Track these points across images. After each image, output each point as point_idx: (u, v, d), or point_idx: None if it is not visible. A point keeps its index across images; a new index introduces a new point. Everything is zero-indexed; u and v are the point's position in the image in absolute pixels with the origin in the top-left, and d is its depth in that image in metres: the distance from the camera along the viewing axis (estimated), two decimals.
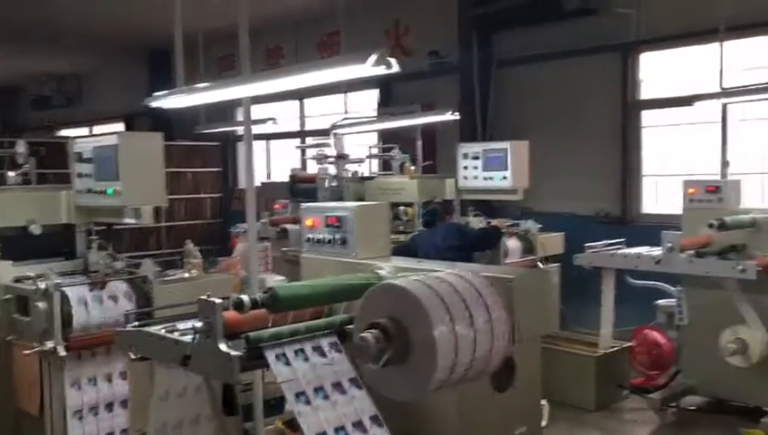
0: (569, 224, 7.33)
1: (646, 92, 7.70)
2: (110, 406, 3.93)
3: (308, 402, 2.31)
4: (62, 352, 3.70)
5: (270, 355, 2.37)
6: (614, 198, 7.77)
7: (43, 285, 3.74)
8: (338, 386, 2.40)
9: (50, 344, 3.70)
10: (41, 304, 3.74)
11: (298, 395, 2.31)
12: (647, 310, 6.30)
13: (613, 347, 5.96)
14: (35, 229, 4.34)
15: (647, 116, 7.70)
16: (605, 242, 5.82)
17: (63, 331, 3.73)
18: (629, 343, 6.06)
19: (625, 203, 7.71)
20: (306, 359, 2.41)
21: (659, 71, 7.62)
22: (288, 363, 2.36)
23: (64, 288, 3.79)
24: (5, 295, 4.05)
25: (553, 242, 6.90)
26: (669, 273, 5.41)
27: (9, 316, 4.03)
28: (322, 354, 2.45)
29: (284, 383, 2.32)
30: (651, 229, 5.89)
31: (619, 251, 5.75)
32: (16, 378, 4.04)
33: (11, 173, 4.75)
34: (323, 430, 2.27)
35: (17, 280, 4.07)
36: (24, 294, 3.92)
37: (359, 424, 2.35)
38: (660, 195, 7.69)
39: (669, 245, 5.11)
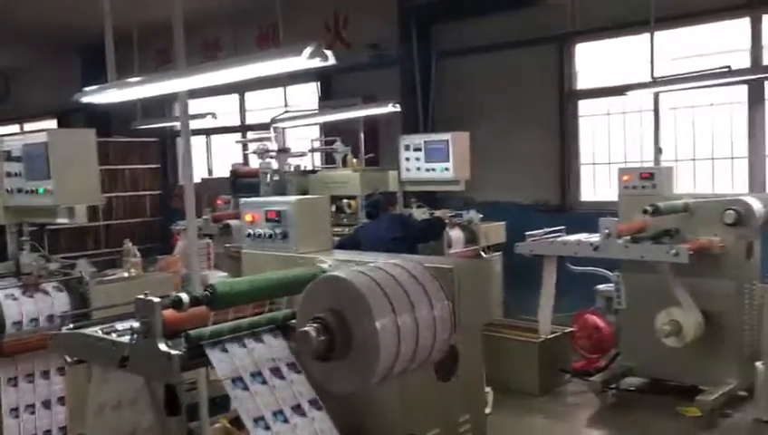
0: (510, 213, 7.46)
1: (582, 83, 7.86)
2: (47, 403, 3.82)
3: (246, 388, 2.28)
4: None
5: (211, 353, 2.33)
6: (553, 187, 7.92)
7: None
8: (276, 371, 2.39)
9: None
10: None
11: (235, 381, 2.29)
12: (587, 295, 6.46)
13: (555, 333, 6.09)
14: None
15: (583, 106, 7.87)
16: (545, 230, 5.92)
17: None
18: (570, 328, 6.19)
19: (564, 191, 7.88)
20: (244, 346, 2.38)
21: (594, 61, 7.79)
22: (228, 355, 2.33)
23: None
24: None
25: (495, 231, 7.00)
26: (607, 258, 5.55)
27: None
28: (261, 342, 2.43)
29: (226, 380, 2.29)
30: (589, 216, 6.04)
31: (559, 238, 5.86)
32: None
33: None
34: (261, 415, 2.25)
35: None
36: None
37: (297, 407, 2.34)
38: (597, 183, 7.88)
39: (606, 231, 5.25)
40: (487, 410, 3.41)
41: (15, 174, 4.12)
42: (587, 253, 5.50)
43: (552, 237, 5.87)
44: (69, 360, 2.76)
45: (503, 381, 5.41)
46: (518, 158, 8.06)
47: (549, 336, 5.99)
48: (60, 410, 3.87)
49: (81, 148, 4.02)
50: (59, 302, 3.81)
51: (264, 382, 2.36)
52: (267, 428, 2.24)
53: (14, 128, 14.90)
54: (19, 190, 4.11)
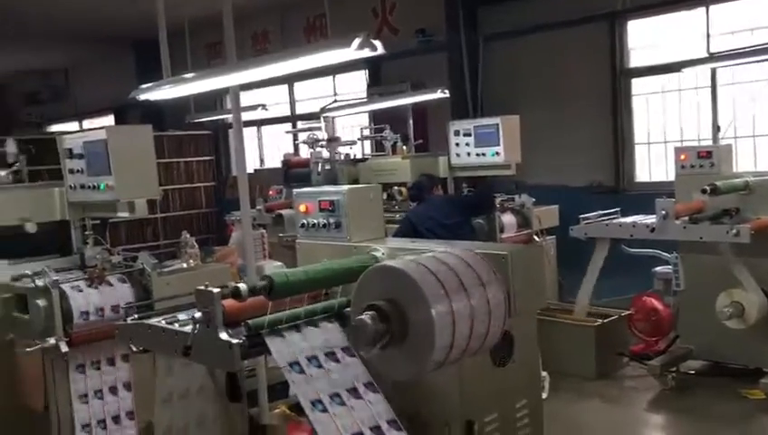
0: (563, 196, 7.36)
1: (635, 61, 7.69)
2: (113, 389, 3.96)
3: (302, 372, 2.33)
4: (64, 348, 3.72)
5: (270, 341, 2.39)
6: (607, 168, 7.79)
7: (41, 283, 3.75)
8: (331, 355, 2.43)
9: (51, 341, 3.71)
10: (40, 302, 3.75)
11: (291, 365, 2.34)
12: (644, 278, 6.35)
13: (611, 316, 6.01)
14: (30, 227, 4.33)
15: (636, 84, 7.70)
16: (599, 212, 5.84)
17: (64, 326, 3.75)
18: (628, 311, 6.11)
19: (618, 172, 7.74)
20: (299, 331, 2.43)
21: (647, 38, 7.60)
22: (285, 343, 2.39)
23: (62, 285, 3.80)
24: (4, 294, 4.06)
25: (548, 215, 6.93)
26: (664, 240, 5.45)
27: (9, 315, 4.04)
28: (315, 327, 2.48)
29: (280, 357, 2.34)
30: (645, 197, 5.93)
31: (614, 221, 5.78)
32: (19, 376, 4.06)
33: (2, 172, 4.73)
34: (318, 398, 2.30)
35: (15, 279, 4.07)
36: (23, 292, 3.93)
37: (353, 390, 2.38)
38: (653, 163, 7.72)
39: (663, 212, 5.14)
40: (544, 395, 3.40)
41: (78, 171, 4.26)
42: (643, 235, 5.41)
43: (607, 220, 5.79)
44: (134, 349, 2.86)
45: (559, 366, 5.38)
46: (570, 139, 7.94)
47: (606, 320, 5.93)
48: (126, 396, 4.00)
49: (139, 143, 4.13)
50: (122, 293, 3.94)
51: (320, 366, 2.40)
52: (324, 410, 2.29)
53: (74, 125, 15.39)
54: (82, 186, 4.25)
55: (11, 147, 4.76)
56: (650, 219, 5.40)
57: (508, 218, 6.55)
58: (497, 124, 6.41)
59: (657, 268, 6.20)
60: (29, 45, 12.37)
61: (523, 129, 6.57)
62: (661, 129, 7.63)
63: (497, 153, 6.39)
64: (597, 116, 7.80)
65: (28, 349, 3.78)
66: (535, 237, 6.64)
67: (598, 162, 7.83)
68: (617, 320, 6.03)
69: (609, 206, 6.03)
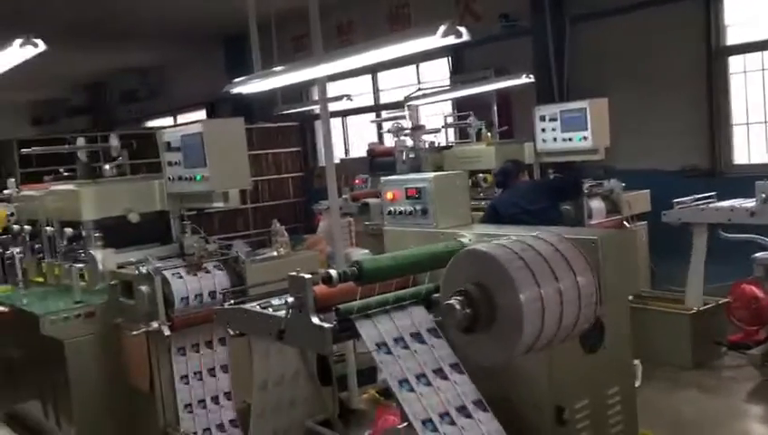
0: (654, 180, 7.12)
1: (732, 38, 7.33)
2: (212, 371, 4.16)
3: (389, 352, 2.38)
4: (167, 332, 3.94)
5: (360, 325, 2.45)
6: (702, 151, 7.48)
7: (144, 270, 3.98)
8: (417, 336, 2.47)
9: (155, 325, 3.93)
10: (144, 288, 3.98)
11: (379, 346, 2.39)
12: (743, 265, 6.08)
13: (708, 304, 5.80)
14: (133, 217, 4.59)
15: (734, 62, 7.35)
16: (694, 196, 5.64)
17: (166, 311, 3.96)
18: (726, 299, 5.87)
19: (714, 155, 7.41)
20: (386, 312, 2.49)
21: (745, 13, 7.23)
22: (374, 326, 2.45)
23: (164, 272, 4.01)
24: (111, 281, 4.32)
25: (639, 200, 6.73)
26: (765, 224, 5.20)
27: (116, 300, 4.30)
28: (402, 309, 2.53)
29: (368, 339, 2.40)
30: (744, 181, 5.67)
31: (711, 205, 5.56)
32: (126, 357, 4.32)
33: (106, 166, 5.01)
34: (405, 377, 2.35)
35: (120, 266, 4.33)
36: (128, 279, 4.18)
37: (439, 371, 2.42)
38: (752, 144, 7.35)
39: (764, 195, 4.92)
40: (637, 383, 3.34)
41: (175, 163, 4.47)
42: (742, 219, 5.19)
43: (703, 204, 5.58)
44: (231, 333, 2.99)
45: (653, 355, 5.23)
46: (662, 122, 7.66)
47: (702, 308, 5.72)
48: (223, 377, 4.19)
49: (232, 136, 4.29)
50: (219, 279, 4.12)
51: (406, 347, 2.45)
52: (411, 390, 2.34)
53: (169, 120, 16.03)
54: (179, 178, 4.46)
55: (114, 142, 5.04)
56: (750, 203, 5.17)
57: (597, 204, 6.40)
58: (584, 108, 6.27)
59: (758, 254, 5.90)
60: (127, 45, 12.96)
61: (611, 112, 6.39)
62: (761, 108, 7.26)
63: (584, 138, 6.24)
64: (691, 97, 7.49)
65: (134, 332, 4.02)
66: (625, 223, 6.47)
67: (692, 145, 7.53)
68: (714, 308, 5.82)
69: (704, 190, 5.80)
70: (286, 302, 2.53)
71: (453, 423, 2.31)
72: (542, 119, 6.59)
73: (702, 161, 7.49)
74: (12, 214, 5.34)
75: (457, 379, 2.43)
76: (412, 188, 3.07)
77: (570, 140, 6.38)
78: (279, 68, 4.11)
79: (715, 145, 7.41)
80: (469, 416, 2.35)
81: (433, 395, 2.35)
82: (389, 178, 3.31)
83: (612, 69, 7.97)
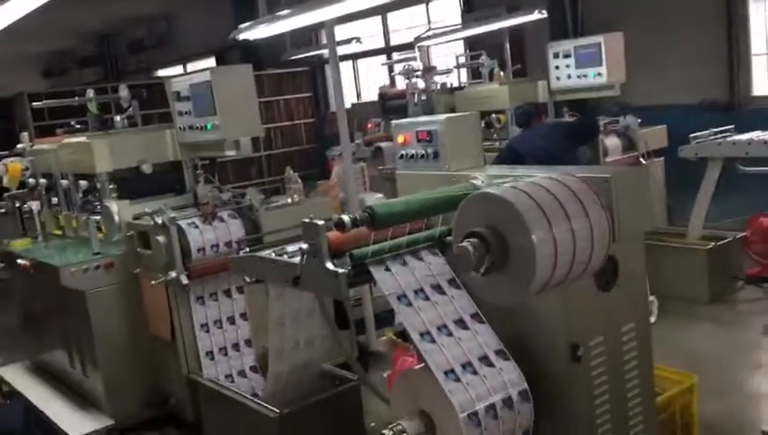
0: (672, 116, 6.99)
1: None
2: (231, 319, 4.23)
3: (409, 304, 2.41)
4: (185, 281, 3.99)
5: (374, 270, 2.47)
6: (720, 83, 7.32)
7: (160, 220, 4.01)
8: (437, 287, 2.49)
9: (173, 274, 3.99)
10: (160, 238, 4.02)
11: (399, 298, 2.41)
12: (761, 198, 6.02)
13: (725, 238, 5.77)
14: (146, 168, 4.60)
15: None
16: (711, 130, 5.55)
17: (183, 260, 4.00)
18: (743, 233, 5.84)
19: (733, 87, 7.26)
20: (405, 264, 2.50)
21: None
22: (390, 273, 2.46)
23: (179, 222, 4.03)
24: (129, 232, 4.37)
25: (656, 136, 6.62)
26: None
27: (134, 251, 4.35)
28: (420, 260, 2.54)
29: (388, 291, 2.42)
30: (764, 113, 5.57)
31: (728, 138, 5.48)
32: (147, 307, 4.40)
33: (117, 117, 5.00)
34: (426, 329, 2.37)
35: (136, 217, 4.37)
36: (145, 229, 4.22)
37: (460, 321, 2.44)
38: None
39: None
40: (652, 319, 3.35)
41: (186, 112, 4.45)
42: (761, 152, 5.12)
43: (720, 138, 5.50)
44: (248, 280, 3.02)
45: (670, 291, 5.26)
46: (679, 55, 7.49)
47: (719, 242, 5.70)
48: (243, 325, 4.26)
49: (242, 83, 4.26)
50: (234, 228, 4.15)
51: (427, 298, 2.46)
52: (432, 341, 2.36)
53: (178, 69, 15.90)
54: (190, 127, 4.45)
55: (124, 92, 5.01)
56: None
57: (612, 141, 6.32)
58: (599, 43, 6.13)
59: None
60: None
61: (627, 46, 6.24)
62: None
63: (599, 74, 6.13)
64: (708, 27, 7.29)
65: (153, 282, 4.08)
66: (642, 160, 6.39)
67: (710, 77, 7.36)
68: (731, 242, 5.79)
69: (723, 123, 5.71)
70: (300, 248, 2.54)
71: (475, 373, 2.34)
72: (556, 56, 6.46)
73: (720, 94, 7.34)
74: (26, 168, 5.37)
75: (478, 329, 2.44)
76: (423, 131, 3.04)
77: (584, 76, 6.27)
78: (285, 12, 4.03)
79: (734, 77, 7.25)
80: (491, 365, 2.38)
81: (454, 346, 2.37)
82: (400, 121, 3.28)
83: (627, 1, 7.75)
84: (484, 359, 2.39)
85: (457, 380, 2.30)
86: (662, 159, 6.61)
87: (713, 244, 5.70)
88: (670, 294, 5.25)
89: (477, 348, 2.41)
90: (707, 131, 5.56)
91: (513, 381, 2.38)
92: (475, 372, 2.35)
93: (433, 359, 2.32)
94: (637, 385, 2.74)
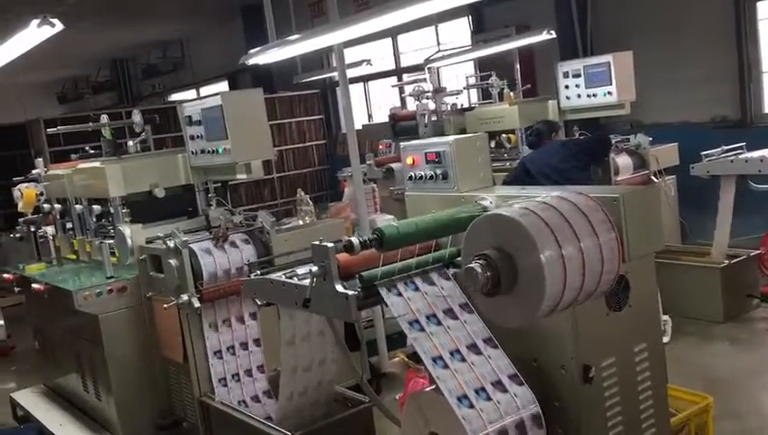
0: (683, 133, 7.00)
1: None
2: (244, 345, 4.22)
3: (422, 329, 2.40)
4: (197, 304, 4.00)
5: (384, 292, 2.47)
6: (731, 101, 7.31)
7: (172, 244, 4.03)
8: (449, 312, 2.48)
9: (185, 297, 4.00)
10: (173, 262, 4.04)
11: (411, 323, 2.41)
12: None
13: (739, 256, 5.73)
14: (159, 192, 4.64)
15: (763, 8, 7.12)
16: (723, 148, 5.53)
17: (195, 284, 4.02)
18: (757, 251, 5.79)
19: (744, 104, 7.24)
20: (417, 289, 2.50)
21: None
22: (400, 296, 2.46)
23: (191, 245, 4.06)
24: (141, 256, 4.39)
25: (667, 154, 6.62)
26: None
27: (146, 275, 4.38)
28: (432, 285, 2.53)
29: (400, 317, 2.42)
30: None
31: (740, 156, 5.45)
32: (159, 330, 4.41)
33: (131, 142, 5.06)
34: (439, 354, 2.36)
35: (149, 241, 4.39)
36: (157, 253, 4.24)
37: (473, 346, 2.42)
38: None
39: None
40: (666, 339, 3.33)
41: (198, 137, 4.49)
42: None
43: (732, 155, 5.47)
44: (259, 303, 3.03)
45: (684, 310, 5.22)
46: (689, 73, 7.49)
47: (732, 260, 5.65)
48: (256, 351, 4.26)
49: (252, 107, 4.29)
50: (246, 251, 4.16)
51: (439, 323, 2.45)
52: (445, 366, 2.34)
53: (192, 93, 16.09)
54: (202, 151, 4.49)
55: (137, 117, 5.07)
56: None
57: (623, 160, 6.31)
58: (608, 62, 6.14)
59: None
60: (148, 19, 12.97)
61: (636, 65, 6.25)
62: None
63: (609, 93, 6.13)
64: (718, 45, 7.29)
65: (165, 305, 4.09)
66: (653, 178, 6.37)
67: (721, 95, 7.36)
68: (745, 260, 5.74)
69: (735, 141, 5.69)
70: (310, 271, 2.55)
71: (489, 399, 2.32)
72: (566, 75, 6.48)
73: (731, 112, 7.33)
74: (41, 193, 5.43)
75: (492, 353, 2.42)
76: (432, 152, 3.05)
77: (594, 95, 6.28)
78: (294, 37, 4.08)
79: (745, 94, 7.23)
80: (505, 390, 2.36)
81: (467, 371, 2.36)
82: (409, 143, 3.29)
83: (637, 20, 7.79)
84: (498, 384, 2.38)
85: (471, 406, 2.29)
86: (674, 177, 6.59)
87: (727, 262, 5.65)
88: (684, 313, 5.21)
89: (491, 373, 2.39)
90: (719, 149, 5.55)
91: (527, 407, 2.36)
92: (488, 398, 2.33)
93: (446, 385, 2.30)
94: (650, 406, 2.71)
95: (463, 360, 2.38)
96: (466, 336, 2.44)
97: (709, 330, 5.42)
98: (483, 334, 2.47)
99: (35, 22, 3.70)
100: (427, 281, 2.55)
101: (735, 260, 5.69)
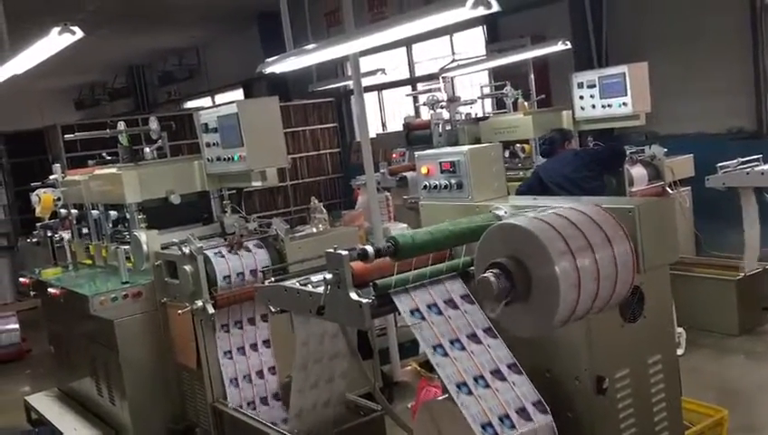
0: (698, 145, 6.96)
1: None
2: (254, 346, 4.25)
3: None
4: (211, 310, 4.02)
5: (398, 300, 2.48)
6: (747, 112, 7.26)
7: (187, 250, 4.06)
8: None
9: (199, 303, 4.03)
10: (187, 268, 4.07)
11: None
12: None
13: (755, 269, 5.68)
14: (175, 199, 4.68)
15: None
16: (738, 160, 5.49)
17: (210, 290, 4.05)
18: None
19: (760, 116, 7.19)
20: (434, 303, 2.50)
21: None
22: (409, 295, 2.46)
23: (206, 251, 4.08)
24: (156, 262, 4.43)
25: (682, 165, 6.59)
26: None
27: (161, 280, 4.41)
28: (447, 295, 2.54)
29: (414, 325, 2.42)
30: None
31: (757, 168, 5.41)
32: (173, 336, 4.44)
33: (147, 149, 5.11)
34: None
35: (164, 247, 4.43)
36: (172, 259, 4.27)
37: (497, 372, 2.40)
38: None
39: None
40: (680, 351, 3.31)
41: (213, 144, 4.54)
42: None
43: (749, 167, 5.43)
44: (273, 310, 3.04)
45: (698, 322, 5.19)
46: (705, 84, 7.46)
47: (747, 273, 5.61)
48: (266, 352, 4.28)
49: (268, 115, 4.33)
50: (260, 257, 4.19)
51: (440, 313, 2.46)
52: (469, 392, 2.32)
53: (207, 100, 16.19)
54: (217, 159, 4.53)
55: (153, 124, 5.12)
56: None
57: (638, 171, 6.30)
58: (623, 73, 6.13)
59: None
60: (164, 27, 13.09)
61: (652, 76, 6.23)
62: None
63: (624, 104, 6.12)
64: (735, 56, 7.26)
65: (180, 311, 4.12)
66: (668, 190, 6.35)
67: (737, 106, 7.31)
68: (761, 273, 5.70)
69: (751, 153, 5.64)
70: (324, 278, 2.56)
71: (487, 386, 2.32)
72: (580, 86, 6.48)
73: (747, 123, 7.28)
74: (58, 199, 5.49)
75: (491, 343, 2.43)
76: (446, 161, 3.07)
77: (609, 106, 6.27)
78: (311, 46, 4.11)
79: (761, 106, 7.19)
80: (503, 379, 2.36)
81: (467, 359, 2.36)
82: (424, 152, 3.31)
83: (652, 30, 7.77)
84: (497, 372, 2.38)
85: (470, 393, 2.29)
86: (689, 188, 6.56)
87: (742, 274, 5.61)
88: (699, 325, 5.17)
89: (490, 362, 2.40)
90: (734, 161, 5.50)
91: (526, 395, 2.36)
92: (487, 386, 2.33)
93: (445, 372, 2.32)
94: (664, 418, 2.70)
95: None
96: (466, 325, 2.46)
97: (724, 343, 5.38)
98: (483, 324, 2.48)
99: (56, 29, 3.75)
100: (452, 307, 2.54)
101: (751, 273, 5.64)
